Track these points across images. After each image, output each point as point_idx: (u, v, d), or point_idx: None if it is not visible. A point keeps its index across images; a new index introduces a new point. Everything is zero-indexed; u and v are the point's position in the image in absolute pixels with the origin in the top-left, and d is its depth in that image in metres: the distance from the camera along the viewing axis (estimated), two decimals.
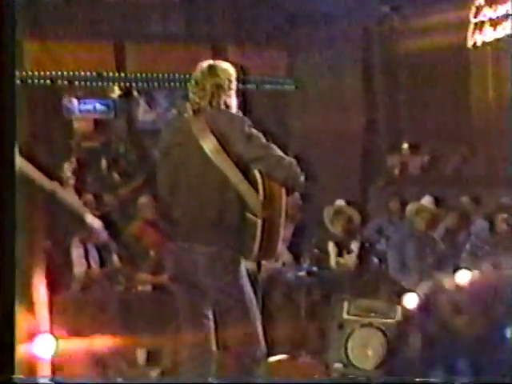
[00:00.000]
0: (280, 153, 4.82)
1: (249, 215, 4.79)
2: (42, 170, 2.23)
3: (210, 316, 5.01)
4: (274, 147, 4.82)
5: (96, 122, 12.45)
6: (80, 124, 12.41)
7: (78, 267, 7.58)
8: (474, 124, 11.60)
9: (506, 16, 11.45)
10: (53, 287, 2.02)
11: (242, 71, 5.31)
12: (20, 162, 1.81)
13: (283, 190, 4.91)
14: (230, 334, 4.95)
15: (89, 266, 7.75)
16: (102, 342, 7.51)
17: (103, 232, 2.19)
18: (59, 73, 12.13)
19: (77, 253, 7.58)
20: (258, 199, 4.78)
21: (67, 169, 10.07)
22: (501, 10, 11.54)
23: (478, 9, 11.80)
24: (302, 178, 4.90)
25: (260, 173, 4.78)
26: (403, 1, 11.86)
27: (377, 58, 12.44)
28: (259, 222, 4.77)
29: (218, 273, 4.82)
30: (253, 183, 4.79)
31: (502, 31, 11.57)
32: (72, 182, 9.82)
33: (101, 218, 2.59)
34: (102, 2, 11.41)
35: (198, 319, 5.02)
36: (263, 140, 4.81)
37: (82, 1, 11.44)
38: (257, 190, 4.79)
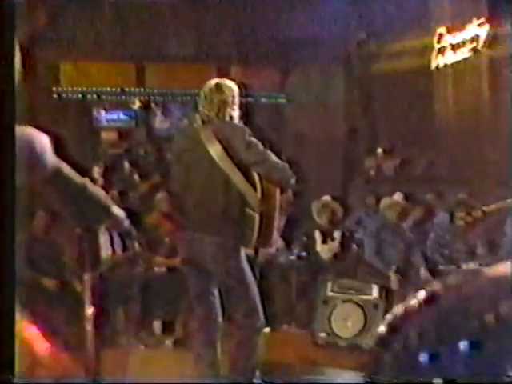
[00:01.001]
0: (275, 158, 4.83)
1: (248, 210, 4.78)
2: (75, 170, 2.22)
3: (216, 293, 5.00)
4: (270, 153, 4.82)
5: (120, 133, 12.41)
6: (107, 135, 12.38)
7: (105, 251, 7.54)
8: (438, 133, 11.58)
9: (463, 42, 11.44)
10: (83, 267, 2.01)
11: (244, 88, 5.29)
12: (57, 161, 1.79)
13: (277, 190, 4.92)
14: (234, 309, 4.94)
15: (113, 250, 7.73)
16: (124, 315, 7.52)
17: (126, 221, 2.18)
18: (89, 89, 12.11)
19: (103, 239, 7.54)
20: (256, 197, 4.78)
21: (96, 171, 10.05)
22: (459, 36, 11.52)
23: (441, 36, 11.76)
24: (293, 180, 4.92)
25: (258, 175, 4.79)
26: (378, 29, 11.82)
27: (356, 76, 12.42)
28: (257, 216, 4.78)
29: (222, 259, 4.80)
30: (252, 183, 4.79)
31: (460, 55, 11.54)
32: (100, 182, 9.80)
33: (124, 210, 2.56)
34: (125, 29, 11.38)
35: (205, 296, 5.00)
36: (261, 147, 4.79)
37: (108, 27, 11.41)
38: (255, 189, 4.79)
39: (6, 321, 0.53)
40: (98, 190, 2.09)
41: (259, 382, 5.12)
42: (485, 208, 7.19)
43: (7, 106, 0.56)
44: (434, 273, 7.96)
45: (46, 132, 1.88)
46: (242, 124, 4.91)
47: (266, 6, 10.85)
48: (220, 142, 4.76)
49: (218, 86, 4.90)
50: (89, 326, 2.09)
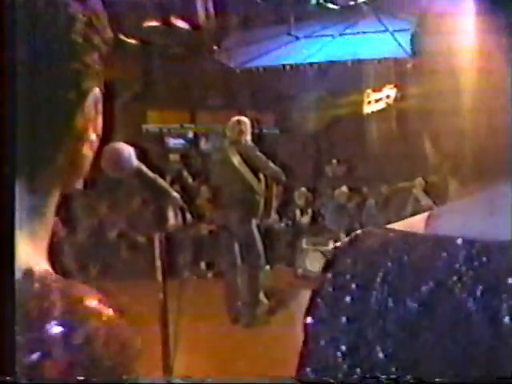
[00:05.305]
0: (273, 165, 4.78)
1: (257, 196, 4.73)
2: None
3: (237, 245, 4.91)
4: (270, 162, 4.77)
5: (181, 155, 12.22)
6: (173, 157, 12.17)
7: (171, 221, 7.45)
8: (369, 152, 11.43)
9: (381, 98, 11.35)
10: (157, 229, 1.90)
11: (255, 123, 5.27)
12: (138, 163, 1.68)
13: (274, 183, 4.90)
14: (247, 254, 4.84)
15: (177, 221, 7.63)
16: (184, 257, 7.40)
17: (180, 201, 2.09)
18: (164, 125, 12.09)
19: (171, 213, 7.44)
20: (261, 188, 4.74)
21: (167, 179, 9.79)
22: (379, 95, 11.43)
23: (368, 94, 11.64)
24: (283, 177, 4.90)
25: (263, 174, 4.77)
26: (333, 89, 11.68)
27: (322, 119, 12.28)
28: (262, 199, 4.74)
29: (241, 225, 4.73)
30: (259, 179, 4.75)
31: (380, 106, 11.45)
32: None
33: (182, 197, 2.44)
34: (184, 90, 11.29)
35: (231, 248, 4.90)
36: (264, 158, 4.77)
37: (174, 89, 11.30)
38: (261, 183, 4.76)
39: (5, 319, 0.37)
40: (163, 182, 1.97)
41: (265, 301, 5.01)
42: (400, 184, 7.27)
43: (7, 108, 0.38)
44: None
45: (134, 147, 1.77)
46: (252, 144, 4.84)
47: (268, 75, 10.81)
48: (239, 154, 4.69)
49: (238, 121, 4.83)
50: (160, 265, 1.96)
